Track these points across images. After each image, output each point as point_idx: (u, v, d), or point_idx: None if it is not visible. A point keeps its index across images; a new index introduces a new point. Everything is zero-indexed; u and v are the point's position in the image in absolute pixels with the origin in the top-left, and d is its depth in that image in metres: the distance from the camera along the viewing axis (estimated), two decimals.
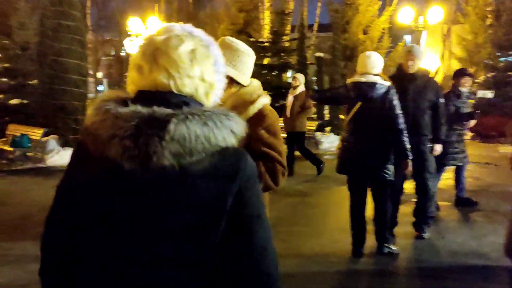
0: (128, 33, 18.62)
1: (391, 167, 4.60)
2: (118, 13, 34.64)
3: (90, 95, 22.67)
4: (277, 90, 18.28)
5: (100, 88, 41.68)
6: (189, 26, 1.33)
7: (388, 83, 4.56)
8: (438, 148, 5.40)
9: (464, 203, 6.90)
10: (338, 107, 15.51)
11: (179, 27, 1.31)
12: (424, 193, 5.33)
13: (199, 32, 1.32)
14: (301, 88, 9.17)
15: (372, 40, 23.90)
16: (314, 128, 14.25)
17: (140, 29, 17.43)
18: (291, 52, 18.91)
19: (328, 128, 15.95)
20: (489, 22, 23.01)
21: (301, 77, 9.38)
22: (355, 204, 4.85)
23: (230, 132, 1.21)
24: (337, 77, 15.49)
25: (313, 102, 9.07)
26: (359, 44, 23.66)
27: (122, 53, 38.01)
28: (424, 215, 5.42)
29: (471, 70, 24.03)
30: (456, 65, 25.88)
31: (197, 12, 32.37)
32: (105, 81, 43.50)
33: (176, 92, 1.24)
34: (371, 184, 4.78)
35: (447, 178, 8.68)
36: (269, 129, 2.29)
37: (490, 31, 21.79)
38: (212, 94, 1.32)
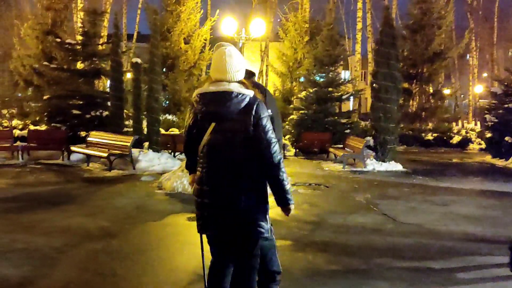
0: None
1: (267, 219, 3.07)
2: None
3: None
4: (89, 100, 16.09)
5: None
6: None
7: (252, 93, 3.01)
8: None
9: None
10: (156, 118, 13.79)
11: None
12: None
13: None
14: None
15: (194, 50, 22.91)
16: (129, 143, 12.24)
17: None
18: (104, 56, 16.80)
19: (146, 144, 14.11)
20: (307, 38, 23.59)
21: None
22: (217, 271, 3.20)
23: None
24: (156, 87, 13.82)
25: None
26: (180, 54, 22.45)
27: None
28: None
29: (289, 85, 24.43)
30: (276, 80, 26.18)
31: (1, 12, 28.36)
32: None
33: None
34: (235, 244, 3.11)
35: None
36: None
37: (309, 47, 22.26)
38: None
